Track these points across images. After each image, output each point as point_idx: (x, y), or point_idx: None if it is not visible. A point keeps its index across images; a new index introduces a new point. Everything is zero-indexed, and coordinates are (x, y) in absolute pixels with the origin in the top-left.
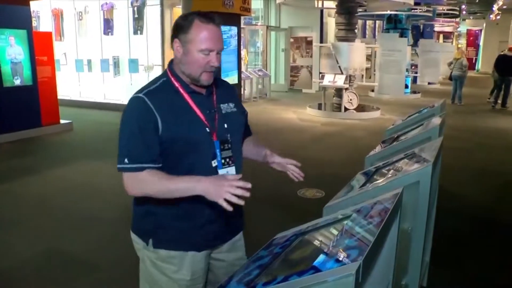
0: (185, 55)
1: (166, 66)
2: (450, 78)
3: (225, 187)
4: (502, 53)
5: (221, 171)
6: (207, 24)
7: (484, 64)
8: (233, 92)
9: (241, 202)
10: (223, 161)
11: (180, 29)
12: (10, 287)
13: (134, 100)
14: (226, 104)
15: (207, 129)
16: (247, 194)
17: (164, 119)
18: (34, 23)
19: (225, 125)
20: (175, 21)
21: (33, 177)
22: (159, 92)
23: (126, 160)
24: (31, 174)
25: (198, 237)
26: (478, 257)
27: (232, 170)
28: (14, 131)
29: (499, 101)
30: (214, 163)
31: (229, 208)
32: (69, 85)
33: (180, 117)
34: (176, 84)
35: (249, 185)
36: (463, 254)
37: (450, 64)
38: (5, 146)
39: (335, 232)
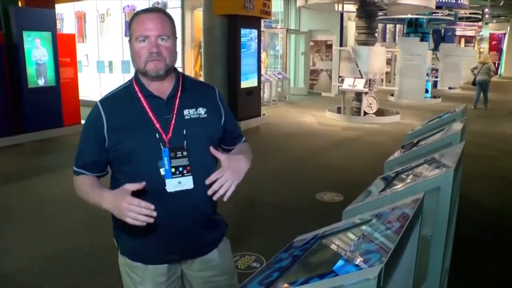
0: (131, 51)
1: (186, 69)
2: (474, 83)
3: (123, 210)
4: None
5: (169, 181)
6: (144, 14)
7: (508, 69)
8: (211, 98)
9: (150, 220)
10: (173, 169)
11: (128, 29)
12: (31, 284)
13: (94, 106)
14: (194, 109)
15: (157, 135)
16: (149, 219)
17: (111, 127)
18: (58, 25)
19: (184, 131)
20: None
21: (55, 175)
22: (117, 97)
23: (74, 163)
24: (51, 173)
25: (152, 249)
26: (498, 265)
27: (186, 180)
28: (37, 131)
29: None
30: (163, 172)
31: (138, 223)
32: (90, 86)
33: (128, 123)
34: (136, 88)
35: (150, 207)
36: (483, 262)
37: (474, 69)
38: (27, 145)
39: (354, 236)
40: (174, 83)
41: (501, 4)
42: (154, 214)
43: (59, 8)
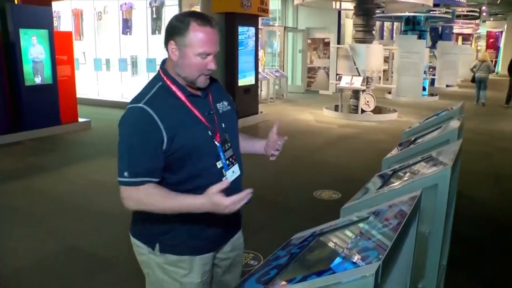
0: (181, 58)
1: None
2: (473, 80)
3: (227, 209)
4: None
5: (228, 172)
6: (204, 27)
7: (505, 67)
8: (223, 89)
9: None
10: (227, 162)
11: (176, 31)
12: (28, 284)
13: (134, 110)
14: (221, 103)
15: (209, 132)
16: (248, 198)
17: (168, 130)
18: (55, 23)
19: (223, 125)
20: (169, 21)
21: (51, 174)
22: (158, 99)
23: (125, 174)
24: (50, 171)
25: (204, 239)
26: (496, 262)
27: (236, 168)
28: (34, 129)
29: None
30: (219, 165)
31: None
32: (88, 84)
33: (183, 124)
34: (173, 88)
35: (248, 192)
36: (481, 259)
37: (474, 67)
38: (25, 144)
39: (352, 234)
40: None
41: (498, 2)
42: (248, 199)
43: (56, 5)
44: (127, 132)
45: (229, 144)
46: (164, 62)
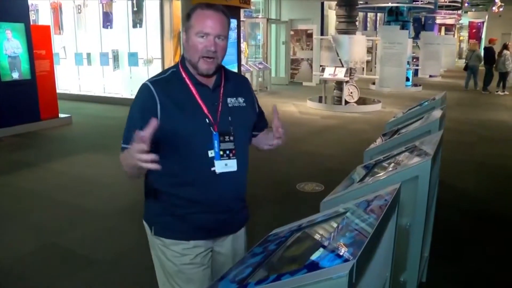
0: (186, 41)
1: (165, 60)
2: (466, 68)
3: (135, 157)
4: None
5: (218, 163)
6: (206, 10)
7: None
8: (246, 88)
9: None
10: (221, 152)
11: (186, 18)
12: (8, 282)
13: (141, 87)
14: (234, 98)
15: (207, 120)
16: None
17: (164, 107)
18: (33, 17)
19: (229, 118)
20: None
21: (32, 171)
22: (166, 81)
23: (122, 141)
24: (30, 168)
25: (195, 226)
26: (478, 252)
27: (232, 163)
28: (13, 126)
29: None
30: (211, 154)
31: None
32: (69, 79)
33: (180, 106)
34: (183, 75)
35: (150, 157)
36: (463, 249)
37: (467, 57)
38: (4, 141)
39: (329, 230)
40: (218, 73)
41: None
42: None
43: None
44: (132, 106)
45: (230, 138)
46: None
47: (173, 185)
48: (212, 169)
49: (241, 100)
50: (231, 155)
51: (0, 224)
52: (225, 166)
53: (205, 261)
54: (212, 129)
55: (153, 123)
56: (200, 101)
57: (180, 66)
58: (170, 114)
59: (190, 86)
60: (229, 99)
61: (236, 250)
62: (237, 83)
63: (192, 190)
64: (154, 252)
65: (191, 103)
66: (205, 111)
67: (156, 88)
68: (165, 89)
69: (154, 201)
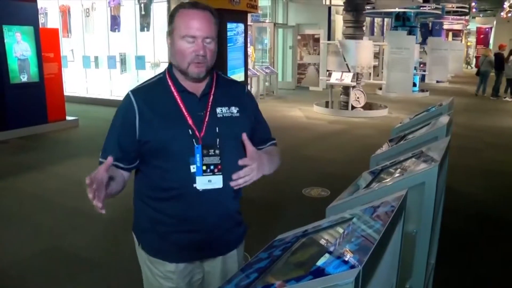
0: (171, 46)
1: None
2: (478, 73)
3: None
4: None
5: (199, 179)
6: (189, 9)
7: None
8: (242, 96)
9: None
10: (204, 167)
11: (169, 21)
12: (10, 285)
13: (124, 96)
14: (226, 107)
15: (190, 131)
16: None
17: (143, 116)
18: (42, 20)
19: (217, 129)
20: None
21: (37, 173)
22: (150, 89)
23: (100, 154)
24: (35, 170)
25: (176, 247)
26: (485, 258)
27: (217, 179)
28: (21, 128)
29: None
30: (193, 169)
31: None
32: (76, 82)
33: (161, 116)
34: (169, 81)
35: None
36: (470, 255)
37: (481, 62)
38: (11, 142)
39: (335, 236)
40: (208, 80)
41: None
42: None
43: (42, 2)
44: (114, 116)
45: (216, 151)
46: None
47: (156, 199)
48: (194, 185)
49: (234, 110)
50: (216, 170)
51: (2, 226)
52: (208, 182)
53: (191, 284)
54: (194, 141)
55: (109, 161)
56: (184, 110)
57: (167, 71)
58: (149, 124)
59: (175, 93)
60: (218, 109)
61: (227, 272)
62: (231, 91)
63: (174, 206)
64: (141, 264)
65: (173, 112)
66: (189, 121)
67: (136, 97)
68: (146, 97)
69: (141, 214)
